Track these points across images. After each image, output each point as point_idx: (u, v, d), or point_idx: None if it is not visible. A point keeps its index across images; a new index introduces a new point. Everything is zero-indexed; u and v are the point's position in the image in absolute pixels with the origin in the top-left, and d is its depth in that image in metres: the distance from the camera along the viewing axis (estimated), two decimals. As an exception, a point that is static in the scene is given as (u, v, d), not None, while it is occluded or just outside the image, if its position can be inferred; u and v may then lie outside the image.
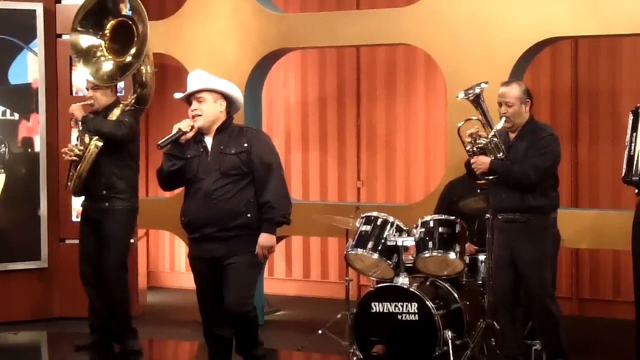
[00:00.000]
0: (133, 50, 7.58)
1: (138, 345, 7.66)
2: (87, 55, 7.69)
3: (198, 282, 6.29)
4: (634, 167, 5.90)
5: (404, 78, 10.35)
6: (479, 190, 7.42)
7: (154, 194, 11.19)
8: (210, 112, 6.14)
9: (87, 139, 7.48)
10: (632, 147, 5.93)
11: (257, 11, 9.00)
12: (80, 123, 7.60)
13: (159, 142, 6.12)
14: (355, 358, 7.22)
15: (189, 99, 6.20)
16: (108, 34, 7.68)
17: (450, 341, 6.96)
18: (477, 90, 6.53)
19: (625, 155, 5.99)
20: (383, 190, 10.41)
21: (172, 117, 11.15)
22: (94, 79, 7.60)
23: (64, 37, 9.07)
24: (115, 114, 7.53)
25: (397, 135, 10.37)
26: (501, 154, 6.47)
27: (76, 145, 7.54)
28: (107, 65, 7.65)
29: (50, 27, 9.10)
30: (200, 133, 6.15)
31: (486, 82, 6.62)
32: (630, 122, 6.00)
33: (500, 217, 6.63)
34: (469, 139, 6.53)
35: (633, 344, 6.16)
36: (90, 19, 7.70)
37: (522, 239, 6.48)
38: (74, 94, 9.08)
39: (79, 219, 8.72)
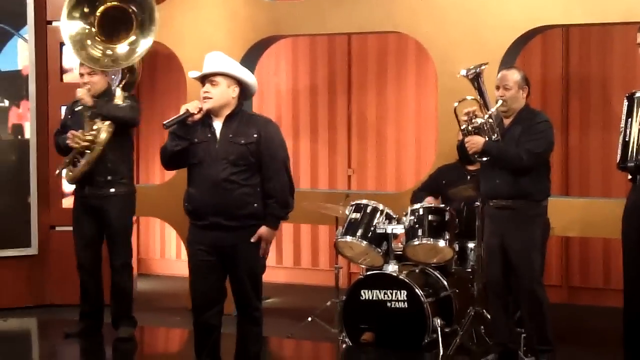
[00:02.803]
0: (133, 38, 7.55)
1: (130, 332, 7.67)
2: (82, 42, 7.61)
3: (195, 269, 6.15)
4: (630, 153, 5.88)
5: (394, 66, 10.35)
6: (469, 177, 7.42)
7: (145, 181, 11.18)
8: (221, 96, 6.02)
9: (98, 124, 7.43)
10: (628, 133, 5.92)
11: (248, -1, 8.99)
12: (86, 109, 7.46)
13: (165, 122, 6.03)
14: (344, 345, 7.24)
15: (203, 79, 6.11)
16: (97, 19, 7.60)
17: (439, 329, 6.99)
18: (478, 70, 6.48)
19: (620, 141, 5.98)
20: (373, 178, 10.42)
21: (162, 103, 11.17)
22: (97, 65, 7.54)
23: (54, 23, 9.05)
24: (119, 98, 7.51)
25: (387, 123, 10.37)
26: (495, 135, 6.43)
27: (82, 132, 7.44)
28: (120, 49, 7.59)
29: (40, 14, 9.07)
30: (208, 116, 6.05)
31: (486, 63, 6.57)
32: (625, 107, 5.99)
33: (491, 204, 6.61)
34: (465, 118, 6.48)
35: (622, 331, 6.17)
36: (82, 4, 7.61)
37: (512, 226, 6.47)
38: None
39: (70, 206, 8.73)
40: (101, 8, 7.59)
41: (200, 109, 6.01)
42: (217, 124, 6.07)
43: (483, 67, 6.52)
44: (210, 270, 6.10)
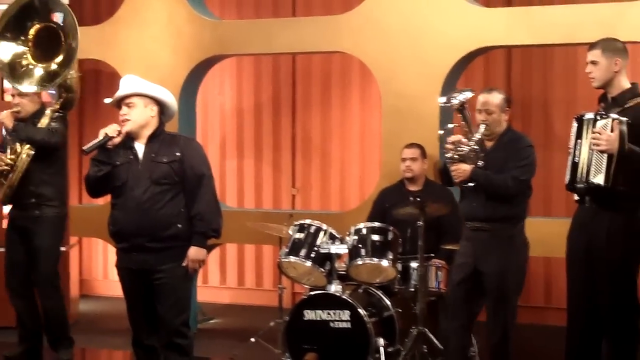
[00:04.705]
0: (60, 59, 7.44)
1: (68, 354, 7.59)
2: (12, 63, 7.50)
3: (127, 293, 6.17)
4: (579, 174, 5.92)
5: (339, 86, 10.38)
6: (411, 198, 7.45)
7: (87, 201, 11.09)
8: (139, 117, 6.01)
9: (18, 148, 7.38)
10: (577, 154, 5.93)
11: (192, 17, 8.97)
12: (8, 132, 7.42)
13: (84, 147, 6.02)
14: (287, 366, 7.21)
15: (119, 103, 6.08)
16: (32, 39, 7.51)
17: (382, 349, 6.97)
18: (462, 98, 6.40)
19: (569, 162, 5.99)
20: (318, 198, 10.42)
21: (106, 123, 11.04)
22: (21, 88, 7.44)
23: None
24: (44, 121, 7.44)
25: (332, 143, 10.39)
26: (481, 162, 6.43)
27: (5, 154, 7.38)
28: (36, 72, 7.48)
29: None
30: (130, 139, 6.03)
31: (472, 91, 6.53)
32: (574, 129, 6.00)
33: (468, 226, 6.55)
34: (451, 146, 6.46)
35: (563, 350, 6.20)
36: (12, 25, 7.51)
37: (487, 248, 6.41)
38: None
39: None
40: (34, 29, 7.48)
41: (120, 132, 5.97)
42: (139, 146, 6.04)
43: (468, 95, 6.45)
44: (139, 293, 6.08)
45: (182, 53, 8.98)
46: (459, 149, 6.40)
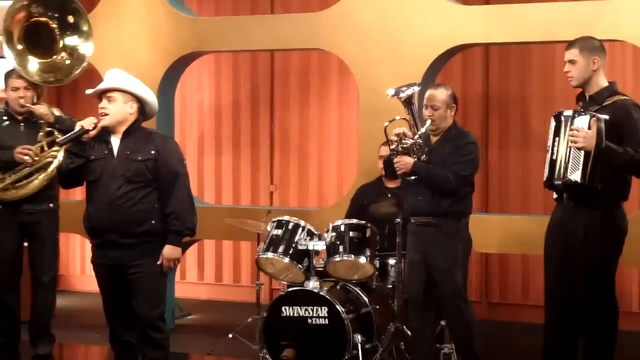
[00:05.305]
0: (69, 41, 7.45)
1: (48, 350, 7.56)
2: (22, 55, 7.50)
3: (102, 289, 6.16)
4: (557, 171, 5.94)
5: (317, 83, 10.39)
6: (389, 195, 7.47)
7: (65, 197, 11.04)
8: (118, 112, 5.99)
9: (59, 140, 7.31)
10: (555, 151, 5.95)
11: (170, 14, 8.95)
12: (45, 125, 7.29)
13: (59, 140, 6.02)
14: (265, 362, 7.22)
15: (100, 95, 6.08)
16: (23, 34, 7.49)
17: (359, 345, 6.99)
18: (410, 92, 6.51)
19: (547, 160, 6.01)
20: (296, 195, 10.43)
21: (83, 118, 11.04)
22: (54, 80, 7.42)
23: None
24: (58, 111, 7.42)
25: (310, 140, 10.40)
26: (424, 156, 6.51)
27: (38, 148, 7.24)
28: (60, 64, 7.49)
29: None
30: (106, 133, 6.02)
31: (419, 85, 6.64)
32: (552, 127, 6.02)
33: (413, 221, 6.68)
34: (395, 138, 6.54)
35: (541, 347, 6.23)
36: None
37: (433, 243, 6.54)
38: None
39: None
40: (23, 31, 7.49)
41: (96, 125, 5.96)
42: (115, 141, 6.03)
43: (415, 89, 6.53)
44: (114, 289, 6.08)
45: (160, 50, 8.96)
46: (403, 141, 6.51)
